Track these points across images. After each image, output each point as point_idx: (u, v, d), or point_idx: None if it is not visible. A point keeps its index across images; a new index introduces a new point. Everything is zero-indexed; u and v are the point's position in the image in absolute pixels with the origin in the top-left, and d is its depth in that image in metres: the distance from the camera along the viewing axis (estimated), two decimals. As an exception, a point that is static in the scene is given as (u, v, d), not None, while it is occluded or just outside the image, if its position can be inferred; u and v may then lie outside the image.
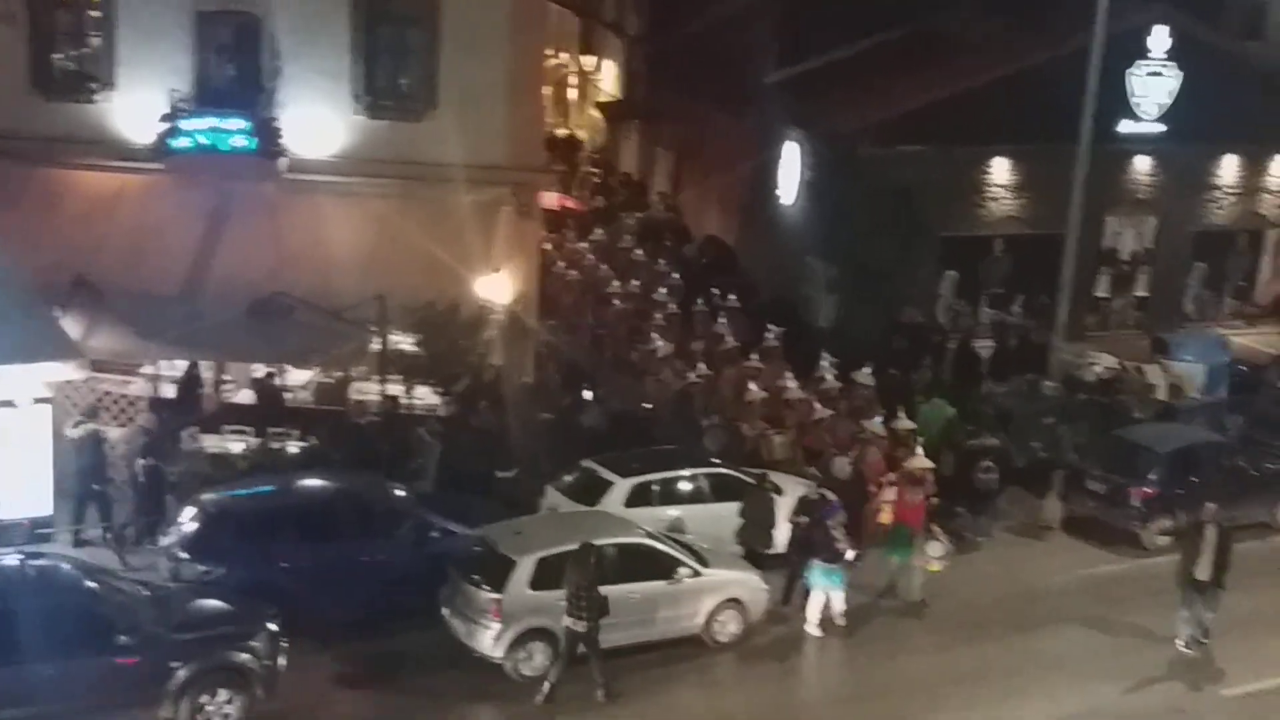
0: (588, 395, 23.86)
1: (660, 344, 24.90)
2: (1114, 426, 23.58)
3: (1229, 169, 31.76)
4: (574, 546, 16.74)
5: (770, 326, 25.74)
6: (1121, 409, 24.96)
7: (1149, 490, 21.51)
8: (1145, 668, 17.69)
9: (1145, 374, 26.53)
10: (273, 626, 15.93)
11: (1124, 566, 20.02)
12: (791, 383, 23.16)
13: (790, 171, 31.02)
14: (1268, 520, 22.34)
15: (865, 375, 23.67)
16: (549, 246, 30.45)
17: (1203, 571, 17.52)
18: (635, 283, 28.87)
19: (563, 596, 16.46)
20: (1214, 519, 17.65)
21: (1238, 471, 22.58)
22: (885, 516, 19.24)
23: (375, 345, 22.29)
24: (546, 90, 33.53)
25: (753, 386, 22.98)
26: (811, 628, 18.24)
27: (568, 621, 16.42)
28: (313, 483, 19.19)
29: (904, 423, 21.78)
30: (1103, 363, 26.91)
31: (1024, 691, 17.09)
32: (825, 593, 18.16)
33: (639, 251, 31.60)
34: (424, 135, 23.57)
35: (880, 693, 16.60)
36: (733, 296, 28.14)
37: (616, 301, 28.39)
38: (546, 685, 16.42)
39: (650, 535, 18.11)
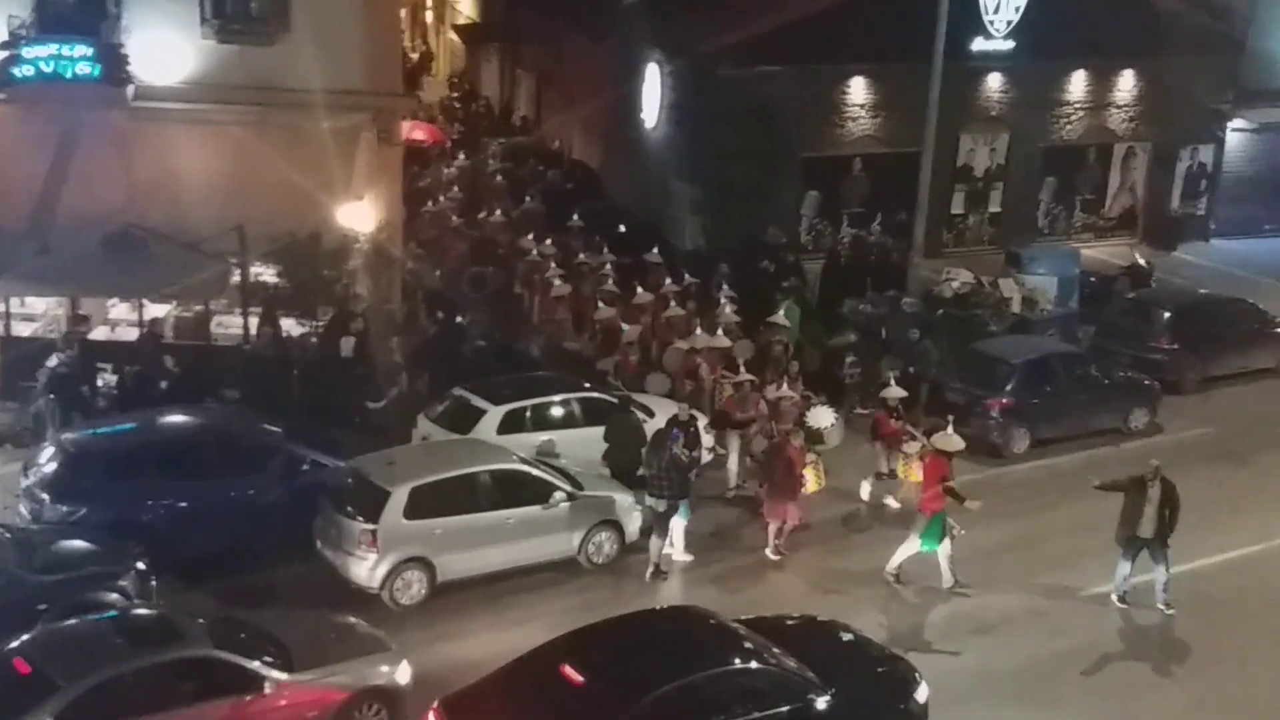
0: (460, 321, 23.74)
1: (558, 282, 24.52)
2: (971, 340, 24.06)
3: (1078, 84, 32.50)
4: (455, 472, 17.02)
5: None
6: (978, 323, 25.44)
7: (1005, 401, 22.09)
8: (1007, 572, 18.26)
9: (1000, 288, 27.14)
10: (141, 565, 15.74)
11: (983, 475, 20.51)
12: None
13: (652, 94, 30.94)
14: (1120, 426, 23.09)
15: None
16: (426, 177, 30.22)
17: (1146, 529, 17.02)
18: (499, 213, 28.49)
19: (440, 525, 16.68)
20: (1156, 474, 17.11)
21: (1090, 380, 23.29)
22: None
23: (236, 277, 21.85)
24: (403, 13, 32.87)
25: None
26: (676, 553, 18.35)
27: (650, 501, 17.86)
28: (176, 419, 18.76)
29: (778, 318, 23.00)
30: (959, 278, 27.39)
31: (883, 600, 17.65)
32: (680, 519, 18.24)
33: (499, 179, 31.30)
34: (278, 59, 22.91)
35: (752, 607, 16.90)
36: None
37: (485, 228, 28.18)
38: (652, 565, 17.84)
39: (524, 461, 18.13)
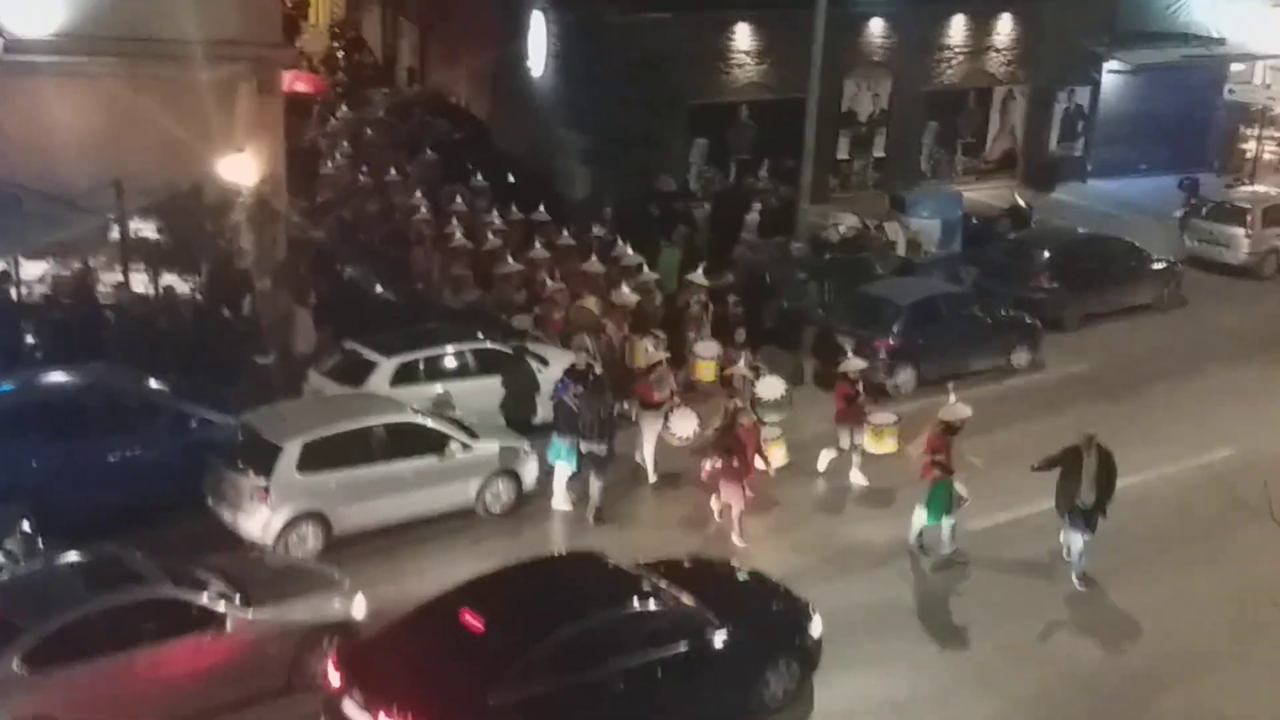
0: (350, 273, 23.53)
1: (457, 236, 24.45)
2: (858, 283, 24.35)
3: (958, 29, 32.96)
4: (349, 426, 17.08)
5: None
6: (865, 265, 25.79)
7: (893, 342, 22.46)
8: (895, 506, 18.63)
9: (885, 231, 27.55)
10: (26, 528, 15.37)
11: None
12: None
13: (538, 42, 30.77)
14: (1003, 364, 23.58)
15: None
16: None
17: (1087, 497, 16.74)
18: (394, 171, 28.13)
19: (334, 479, 16.72)
20: (1091, 444, 16.80)
21: (974, 320, 23.72)
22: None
23: (114, 233, 21.43)
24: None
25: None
26: (557, 502, 18.45)
27: (589, 446, 17.90)
28: (57, 378, 18.37)
29: (630, 259, 23.23)
30: (846, 222, 27.73)
31: (787, 527, 18.05)
32: (563, 465, 18.33)
33: (369, 131, 30.93)
34: (152, 9, 22.21)
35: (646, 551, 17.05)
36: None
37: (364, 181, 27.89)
38: (593, 508, 18.13)
39: (418, 413, 18.08)
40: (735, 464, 17.37)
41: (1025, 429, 19.94)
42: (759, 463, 18.02)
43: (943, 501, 17.09)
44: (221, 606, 13.82)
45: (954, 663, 15.51)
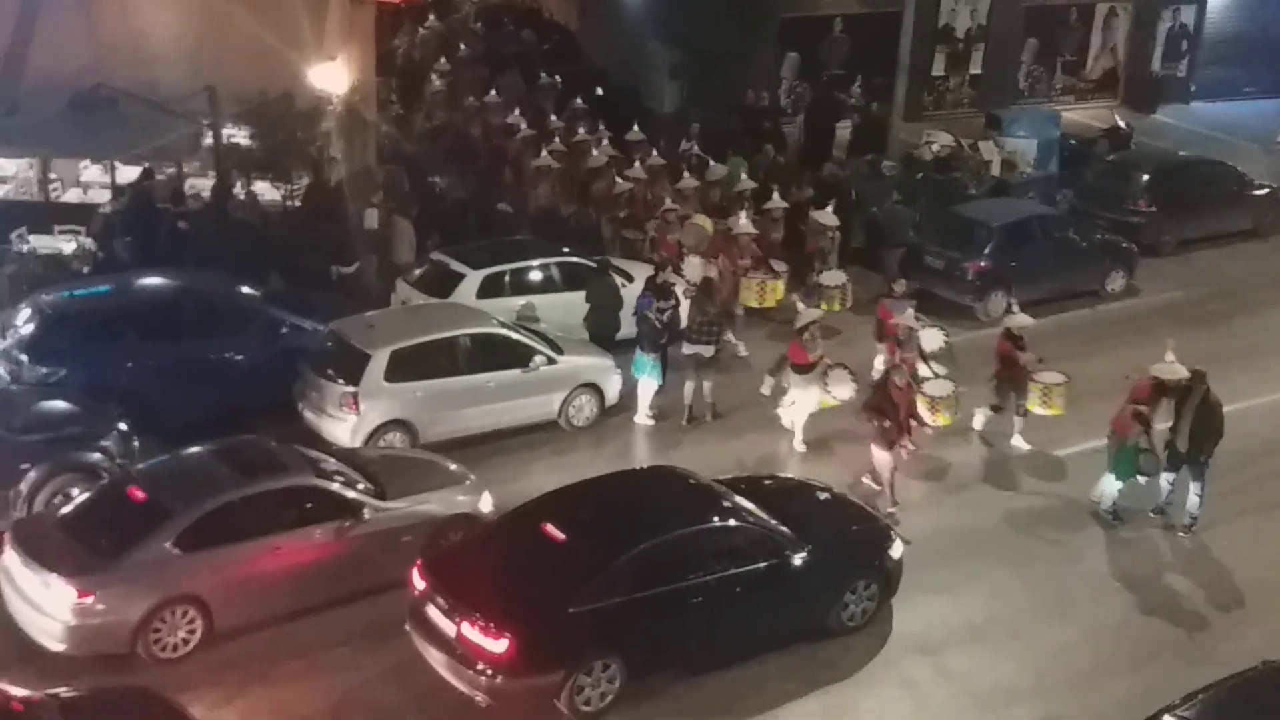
0: (441, 185, 23.60)
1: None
2: (950, 203, 24.05)
3: (1063, -59, 32.14)
4: (435, 336, 17.28)
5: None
6: (957, 186, 25.49)
7: (983, 264, 22.21)
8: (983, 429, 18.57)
9: (980, 151, 27.14)
10: (123, 426, 15.84)
11: (960, 339, 20.63)
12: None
13: (630, -49, 30.47)
14: (1097, 289, 23.27)
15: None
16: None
17: (1181, 441, 16.27)
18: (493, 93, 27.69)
19: (420, 388, 16.99)
20: (1200, 384, 16.22)
21: (1068, 243, 23.40)
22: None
23: (208, 139, 21.66)
24: None
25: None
26: (639, 417, 18.54)
27: (694, 349, 18.23)
28: (153, 281, 18.71)
29: (745, 184, 22.74)
30: (940, 141, 27.32)
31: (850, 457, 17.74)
32: (648, 379, 18.41)
33: (464, 46, 30.79)
34: (246, -87, 22.50)
35: (731, 467, 17.11)
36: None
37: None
38: (709, 409, 18.54)
39: (504, 325, 18.20)
40: (886, 424, 16.23)
41: (1117, 356, 19.62)
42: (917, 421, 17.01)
43: (1129, 461, 16.20)
44: (359, 497, 14.36)
45: (1034, 589, 15.45)
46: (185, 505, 13.53)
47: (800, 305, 18.60)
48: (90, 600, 12.90)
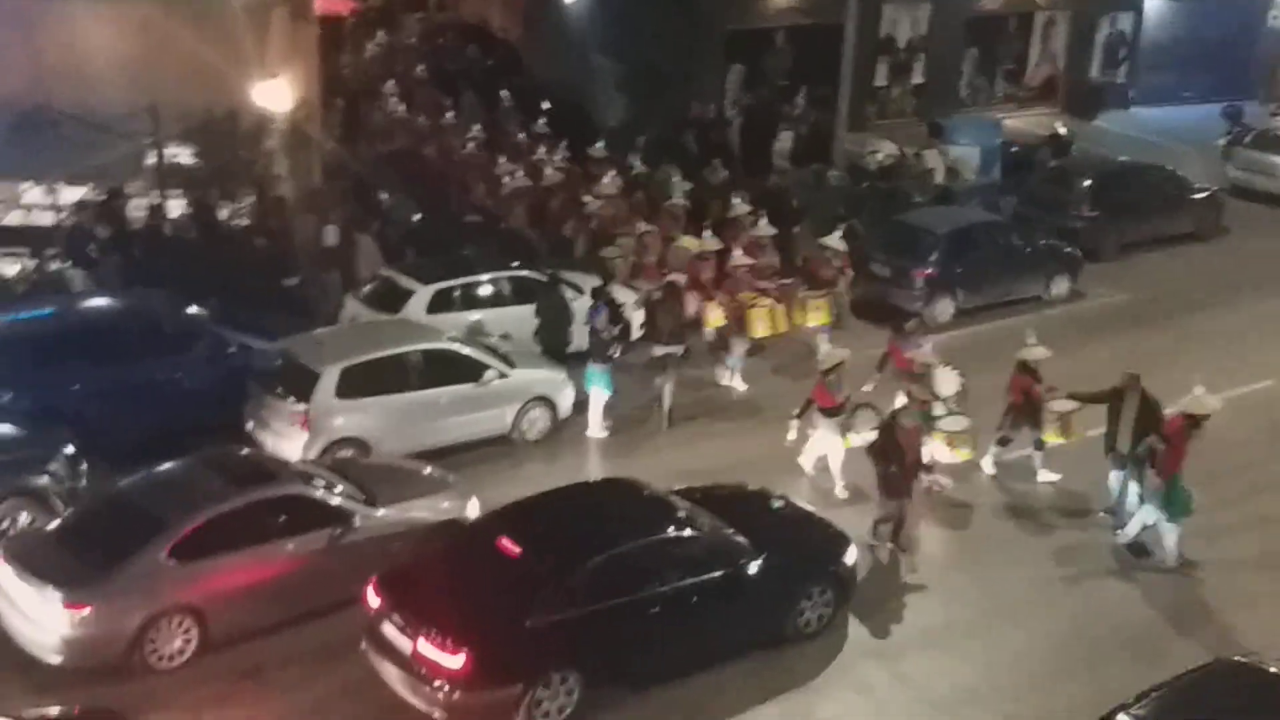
0: (387, 202, 23.51)
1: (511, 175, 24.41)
2: (896, 211, 24.27)
3: (999, -47, 32.46)
4: (386, 352, 17.31)
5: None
6: (902, 194, 25.72)
7: (929, 271, 22.39)
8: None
9: (924, 159, 27.39)
10: (70, 450, 15.63)
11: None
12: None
13: (572, -35, 30.50)
14: (1039, 294, 23.49)
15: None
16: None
17: (1124, 442, 16.35)
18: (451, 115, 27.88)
19: (371, 405, 16.97)
20: (1134, 385, 16.31)
21: (1012, 249, 23.63)
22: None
23: (151, 158, 21.51)
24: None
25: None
26: (592, 429, 18.55)
27: (666, 350, 18.85)
28: (96, 303, 18.67)
29: (739, 208, 22.48)
30: (883, 150, 27.62)
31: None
32: (599, 391, 18.44)
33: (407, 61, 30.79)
34: (184, -68, 22.39)
35: (685, 477, 17.13)
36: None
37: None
38: (667, 412, 18.71)
39: (455, 340, 18.15)
40: (892, 470, 15.45)
41: (1062, 359, 19.82)
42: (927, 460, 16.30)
43: (1180, 499, 15.61)
44: (349, 505, 14.44)
45: (988, 594, 15.54)
46: (179, 516, 13.55)
47: (823, 346, 17.48)
48: (86, 612, 12.88)
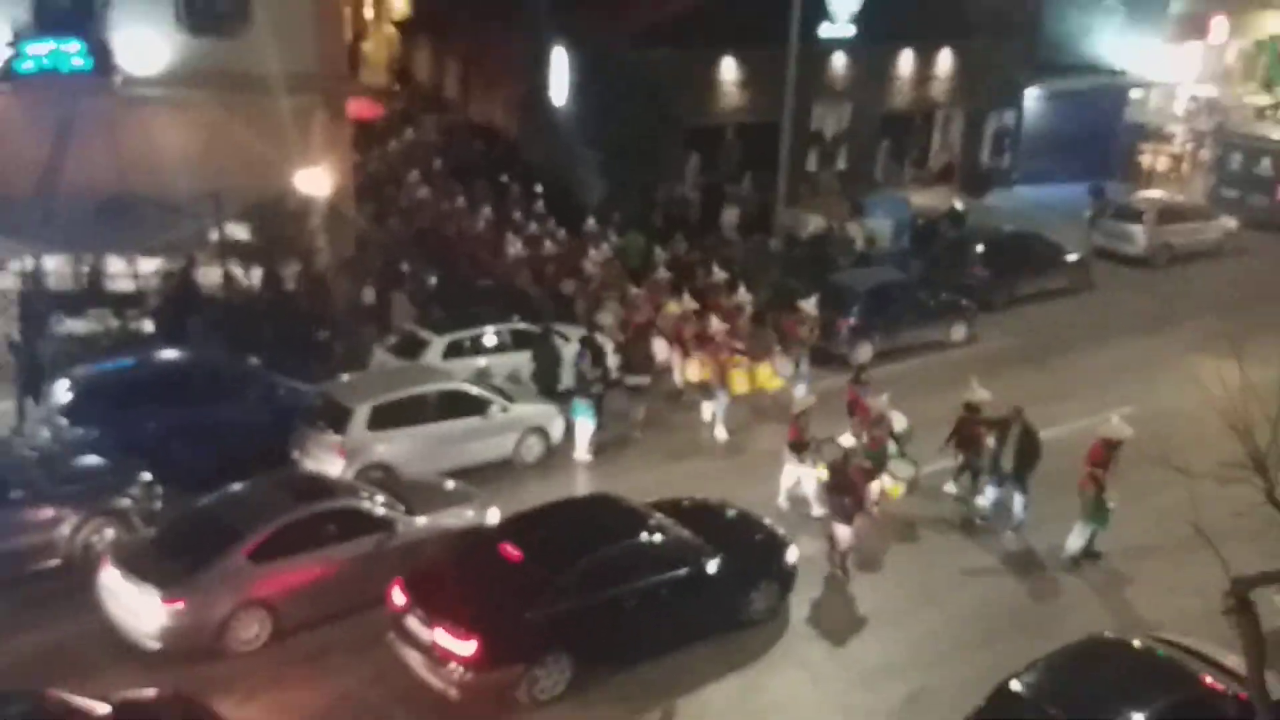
0: (405, 268, 23.49)
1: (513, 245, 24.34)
2: (825, 273, 24.36)
3: (906, 62, 32.71)
4: (408, 392, 17.25)
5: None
6: (829, 259, 25.85)
7: (853, 321, 22.45)
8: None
9: (847, 230, 27.52)
10: (146, 476, 15.59)
11: (838, 381, 20.82)
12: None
13: (560, 75, 30.67)
14: (942, 339, 23.59)
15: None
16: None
17: (1006, 463, 16.54)
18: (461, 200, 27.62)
19: (396, 435, 16.93)
20: (1018, 417, 16.42)
21: (919, 303, 23.71)
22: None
23: (213, 235, 21.48)
24: (346, 9, 32.10)
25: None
26: (579, 453, 18.47)
27: (637, 380, 19.32)
28: (168, 355, 18.50)
29: (717, 275, 22.27)
30: (814, 223, 27.70)
31: (747, 483, 17.75)
32: (584, 422, 18.39)
33: (424, 154, 30.81)
34: (242, 50, 22.37)
35: (657, 489, 17.11)
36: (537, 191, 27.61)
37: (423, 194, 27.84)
38: (637, 424, 18.94)
39: (465, 381, 18.15)
40: (846, 501, 15.25)
41: (960, 393, 19.92)
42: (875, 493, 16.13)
43: (1101, 512, 15.69)
44: (393, 515, 14.49)
45: (905, 584, 15.60)
46: (255, 525, 13.68)
47: (796, 393, 17.46)
48: (180, 606, 13.07)
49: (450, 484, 16.11)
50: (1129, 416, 16.06)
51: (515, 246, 23.95)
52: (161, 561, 13.46)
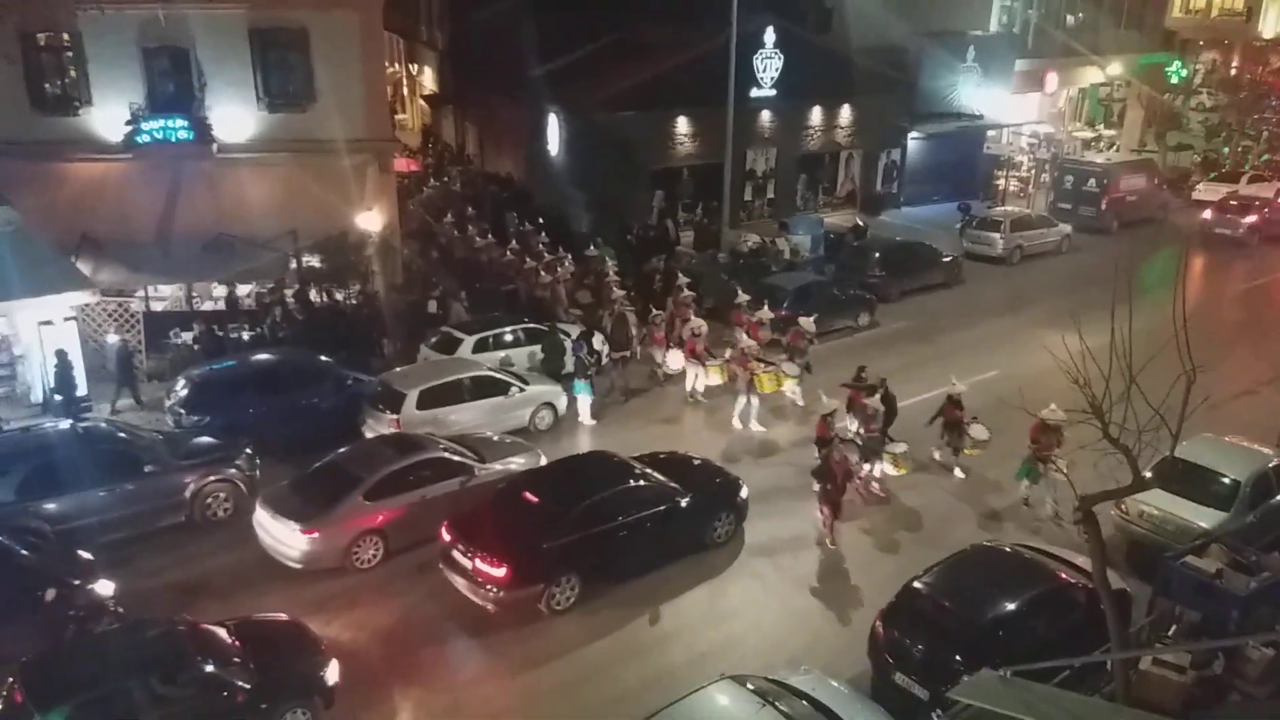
0: (436, 288, 23.23)
1: (528, 262, 23.64)
2: (761, 278, 24.22)
3: (816, 115, 32.54)
4: (447, 379, 17.00)
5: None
6: (764, 267, 25.70)
7: (784, 312, 22.26)
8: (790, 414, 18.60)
9: (777, 244, 27.39)
10: (249, 451, 15.43)
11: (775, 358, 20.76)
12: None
13: (554, 133, 30.43)
14: (851, 324, 23.52)
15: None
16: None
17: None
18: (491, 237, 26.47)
19: (439, 413, 16.58)
20: (882, 384, 16.09)
21: (832, 297, 23.57)
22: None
23: (292, 264, 21.28)
24: (388, 87, 31.81)
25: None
26: (583, 419, 18.28)
27: (621, 353, 18.97)
28: (262, 356, 18.26)
29: (742, 297, 21.06)
30: (751, 239, 27.54)
31: (712, 440, 17.81)
32: (584, 396, 18.24)
33: (450, 200, 30.38)
34: (309, 120, 22.17)
35: (641, 446, 17.04)
36: (538, 221, 26.99)
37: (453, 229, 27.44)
38: (623, 390, 18.64)
39: (491, 369, 17.99)
40: (828, 487, 14.46)
41: (866, 362, 19.88)
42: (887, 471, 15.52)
43: (1029, 470, 15.18)
44: (470, 462, 14.52)
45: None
46: (369, 472, 13.80)
47: (824, 398, 16.00)
48: (315, 535, 13.27)
49: (515, 439, 16.17)
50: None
51: (545, 273, 23.01)
52: (300, 502, 13.59)
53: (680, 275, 22.43)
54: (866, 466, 15.66)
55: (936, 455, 16.72)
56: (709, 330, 19.87)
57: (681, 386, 19.49)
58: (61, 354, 17.17)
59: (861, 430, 15.74)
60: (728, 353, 18.88)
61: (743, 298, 20.65)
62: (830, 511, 14.54)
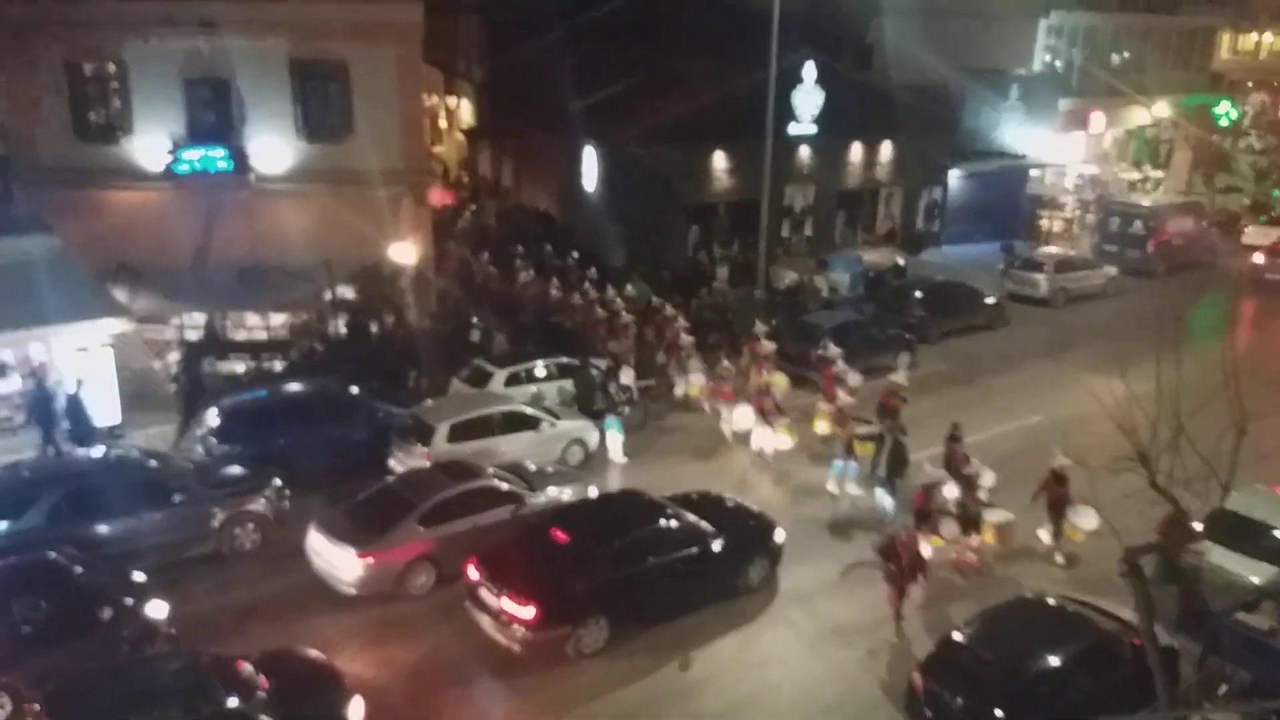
0: (475, 320, 23.46)
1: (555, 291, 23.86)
2: (798, 315, 24.20)
3: (856, 152, 32.62)
4: (478, 413, 17.13)
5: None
6: (802, 304, 25.68)
7: (821, 352, 22.24)
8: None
9: (815, 282, 27.37)
10: (278, 482, 15.57)
11: (814, 398, 20.64)
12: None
13: (590, 166, 30.76)
14: (892, 365, 23.23)
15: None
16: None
17: (880, 471, 16.51)
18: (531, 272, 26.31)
19: (469, 447, 16.58)
20: (891, 433, 16.17)
21: (871, 337, 23.47)
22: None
23: (326, 294, 21.58)
24: (425, 121, 32.33)
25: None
26: (614, 457, 18.24)
27: (646, 382, 19.40)
28: (293, 387, 18.49)
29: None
30: (789, 277, 27.55)
31: (746, 481, 17.67)
32: (614, 433, 18.22)
33: (485, 233, 30.44)
34: (347, 152, 22.56)
35: (674, 484, 17.01)
36: (573, 255, 27.10)
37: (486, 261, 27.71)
38: (646, 417, 18.80)
39: (522, 404, 18.07)
40: (892, 569, 13.35)
41: (909, 405, 19.76)
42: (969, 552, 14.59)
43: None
44: (521, 490, 14.78)
45: (867, 556, 15.36)
46: (424, 499, 14.02)
47: (928, 467, 15.38)
48: (370, 560, 13.42)
49: (564, 469, 16.41)
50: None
51: (600, 309, 22.79)
52: (356, 527, 13.71)
53: (758, 324, 21.55)
54: (967, 537, 14.59)
55: (1045, 538, 15.33)
56: (786, 386, 18.97)
57: (717, 426, 19.32)
58: (78, 383, 17.43)
59: (964, 499, 14.56)
60: (822, 406, 17.88)
61: (760, 328, 20.68)
62: (896, 596, 13.33)
